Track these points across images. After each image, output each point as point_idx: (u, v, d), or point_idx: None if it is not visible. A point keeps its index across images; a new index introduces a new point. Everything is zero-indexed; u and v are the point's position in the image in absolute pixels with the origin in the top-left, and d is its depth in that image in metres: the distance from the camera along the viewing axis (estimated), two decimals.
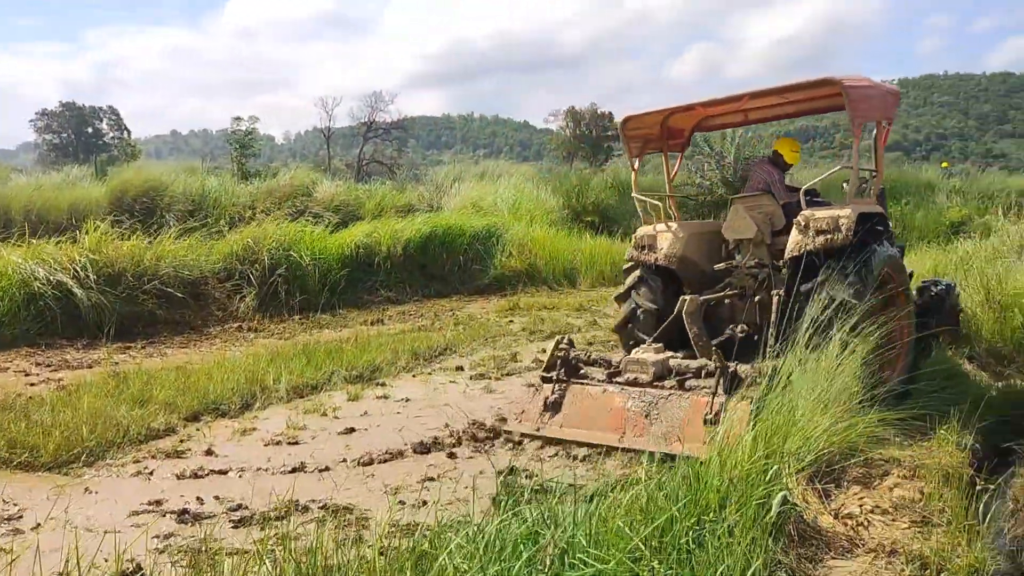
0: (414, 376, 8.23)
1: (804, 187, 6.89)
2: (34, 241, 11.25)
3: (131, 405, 6.53)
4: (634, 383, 6.01)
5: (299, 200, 17.95)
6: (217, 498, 4.83)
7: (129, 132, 69.09)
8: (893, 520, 4.18)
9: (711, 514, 3.42)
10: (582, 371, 6.40)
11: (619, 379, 6.14)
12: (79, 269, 10.55)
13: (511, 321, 11.59)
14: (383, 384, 7.84)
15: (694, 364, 6.00)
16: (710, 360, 5.85)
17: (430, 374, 8.32)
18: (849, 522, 4.13)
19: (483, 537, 2.98)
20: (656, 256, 7.32)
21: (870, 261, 6.19)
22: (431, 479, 5.11)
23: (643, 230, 7.57)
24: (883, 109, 6.87)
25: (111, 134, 66.91)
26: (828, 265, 6.21)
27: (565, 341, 6.44)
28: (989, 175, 30.56)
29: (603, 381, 6.20)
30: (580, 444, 5.77)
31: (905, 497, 4.45)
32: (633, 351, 6.48)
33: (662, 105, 7.76)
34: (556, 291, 14.81)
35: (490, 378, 8.02)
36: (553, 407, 6.14)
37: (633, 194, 7.86)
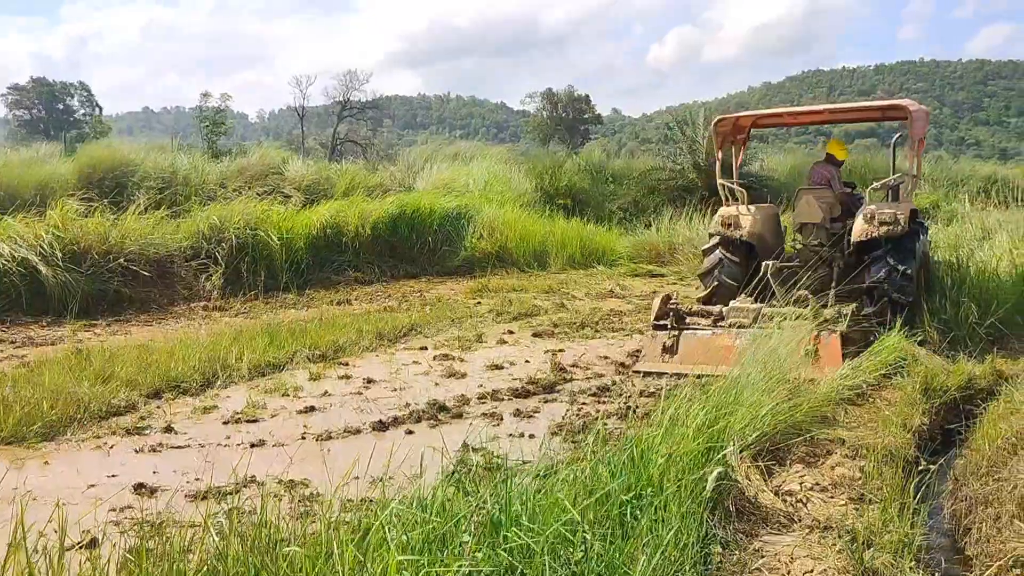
0: (377, 356, 8.29)
1: (870, 188, 8.80)
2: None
3: (93, 382, 6.53)
4: (738, 326, 7.51)
5: (270, 179, 17.82)
6: (174, 472, 4.87)
7: (101, 109, 68.14)
8: (831, 497, 4.32)
9: (651, 489, 3.52)
10: (688, 320, 7.86)
11: (723, 323, 7.70)
12: (44, 246, 10.48)
13: (479, 303, 11.65)
14: (346, 364, 7.88)
15: (786, 310, 7.38)
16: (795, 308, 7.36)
17: (394, 354, 8.38)
18: (789, 499, 4.26)
19: (423, 508, 3.06)
20: (741, 233, 8.88)
21: (916, 247, 8.17)
22: (387, 455, 5.17)
23: (726, 210, 9.16)
24: (925, 127, 8.87)
25: (82, 111, 65.91)
26: (888, 248, 8.00)
27: (672, 298, 8.08)
28: (961, 162, 30.98)
29: (710, 326, 7.73)
30: (702, 376, 6.62)
31: (845, 475, 4.59)
32: (731, 302, 8.04)
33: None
34: (526, 273, 14.85)
35: (453, 358, 8.10)
36: (670, 350, 7.62)
37: (718, 180, 9.44)
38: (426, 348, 8.58)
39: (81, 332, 9.45)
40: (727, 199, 9.39)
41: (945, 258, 10.00)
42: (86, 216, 11.71)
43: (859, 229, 8.18)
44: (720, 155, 9.75)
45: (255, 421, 6.05)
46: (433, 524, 2.85)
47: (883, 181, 9.07)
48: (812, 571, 3.36)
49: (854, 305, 7.49)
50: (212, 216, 12.68)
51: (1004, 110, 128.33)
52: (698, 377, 6.57)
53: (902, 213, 8.05)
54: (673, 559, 3.03)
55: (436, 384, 7.15)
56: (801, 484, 4.39)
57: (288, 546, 3.07)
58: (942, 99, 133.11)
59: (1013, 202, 14.59)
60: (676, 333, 7.66)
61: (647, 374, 7.50)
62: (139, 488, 4.69)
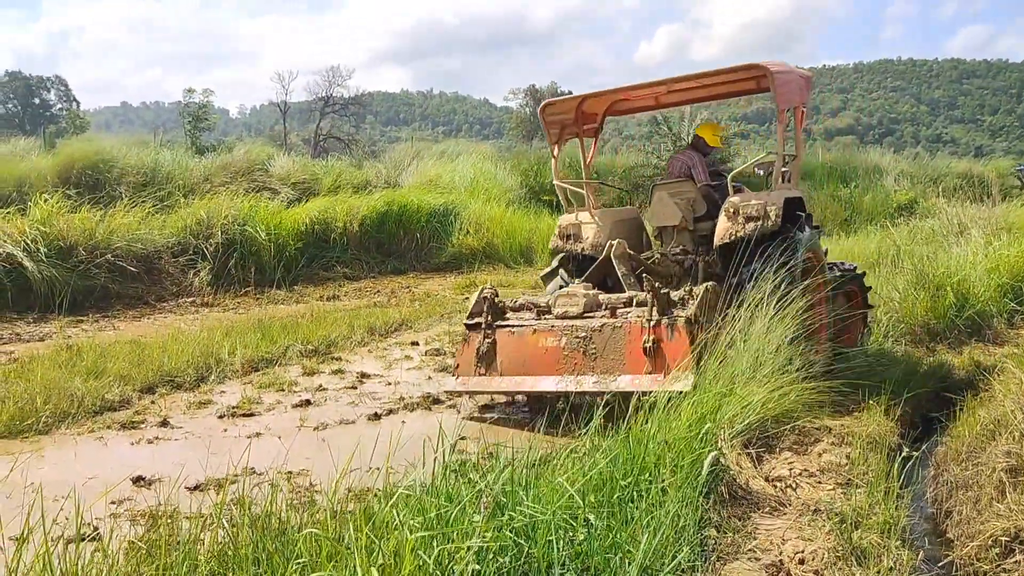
0: (370, 351, 8.36)
1: (732, 173, 6.98)
2: None
3: (85, 377, 6.55)
4: (565, 316, 5.94)
5: (255, 175, 17.80)
6: (172, 464, 4.92)
7: (78, 103, 67.52)
8: (820, 482, 4.45)
9: (647, 474, 3.63)
10: (509, 315, 6.25)
11: (549, 316, 6.06)
12: (29, 242, 10.46)
13: (467, 298, 11.65)
14: (339, 358, 7.95)
15: (624, 296, 6.03)
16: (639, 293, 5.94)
17: (386, 349, 8.45)
18: (779, 484, 4.39)
19: (429, 493, 3.16)
20: (583, 245, 7.19)
21: (796, 247, 6.27)
22: (383, 445, 5.25)
23: (566, 219, 7.42)
24: (801, 94, 6.91)
25: (59, 105, 65.28)
26: (758, 252, 6.20)
27: (489, 288, 6.34)
28: (937, 159, 31.46)
29: (532, 320, 6.10)
30: (522, 394, 5.84)
31: (832, 462, 4.73)
32: (562, 288, 6.48)
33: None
34: (513, 269, 14.96)
35: (444, 353, 8.18)
36: (486, 357, 6.04)
37: (554, 181, 7.67)
38: (417, 343, 8.66)
39: (69, 328, 9.45)
40: (568, 204, 7.59)
41: (919, 251, 10.10)
42: (71, 212, 11.69)
43: (721, 229, 6.50)
44: (557, 150, 7.67)
45: (251, 415, 6.10)
46: (440, 508, 2.95)
47: (743, 166, 7.61)
48: (803, 551, 3.48)
49: (710, 284, 5.86)
50: (199, 212, 12.69)
51: (979, 108, 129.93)
52: (516, 399, 5.83)
53: (774, 204, 6.32)
54: (671, 540, 3.14)
55: (429, 378, 7.23)
56: (790, 470, 4.53)
57: (297, 532, 3.16)
58: (919, 97, 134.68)
59: (987, 198, 14.86)
60: (491, 333, 6.10)
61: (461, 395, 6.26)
62: (138, 480, 4.74)
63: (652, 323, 5.46)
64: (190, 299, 11.40)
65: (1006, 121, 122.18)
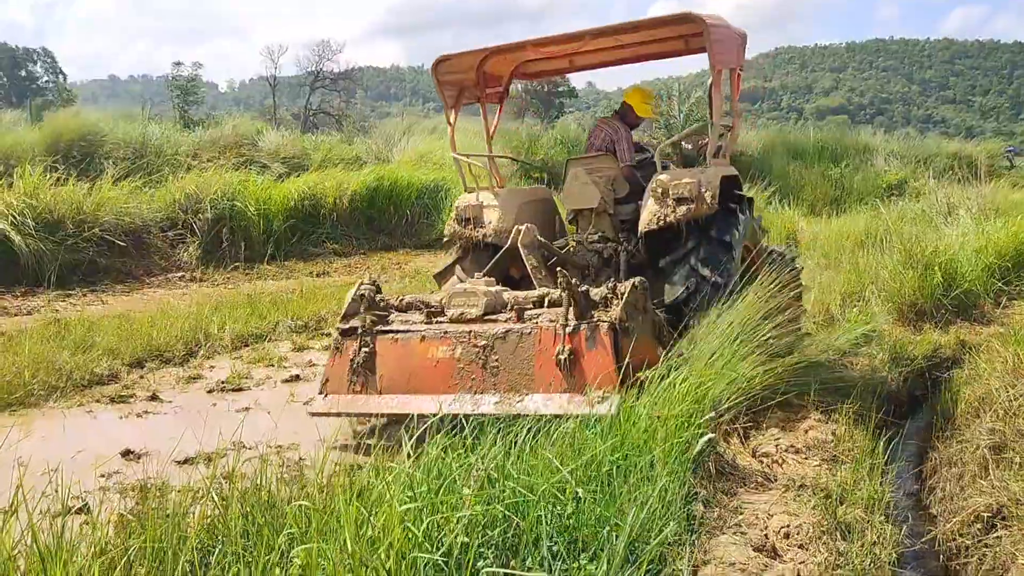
0: None
1: (660, 146, 6.17)
2: None
3: (73, 351, 6.55)
4: (460, 319, 4.90)
5: (244, 150, 17.66)
6: (162, 438, 4.93)
7: (65, 76, 66.75)
8: (805, 458, 4.50)
9: (636, 450, 3.66)
10: (394, 318, 5.18)
11: (442, 319, 5.00)
12: (16, 215, 10.37)
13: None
14: (329, 335, 7.92)
15: (534, 293, 5.01)
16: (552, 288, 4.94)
17: None
18: (765, 460, 4.43)
19: (419, 467, 3.17)
20: (484, 232, 6.19)
21: (734, 235, 5.56)
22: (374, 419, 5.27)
23: (465, 200, 6.40)
24: (738, 54, 5.93)
25: (45, 77, 64.52)
26: (690, 239, 5.53)
27: (368, 282, 5.32)
28: (928, 139, 31.48)
29: (421, 324, 5.02)
30: (402, 418, 4.42)
31: (818, 438, 4.78)
32: (459, 285, 5.36)
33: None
34: None
35: None
36: (363, 370, 4.98)
37: (452, 154, 6.61)
38: None
39: (57, 302, 9.41)
40: (467, 182, 6.60)
41: (906, 231, 10.10)
42: (58, 185, 11.59)
43: (648, 213, 5.59)
44: (453, 116, 6.59)
45: (240, 390, 6.12)
46: (430, 481, 2.97)
47: (672, 139, 6.61)
48: (788, 526, 3.52)
49: (638, 280, 4.74)
50: (188, 186, 12.61)
51: (970, 89, 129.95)
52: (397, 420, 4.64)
53: (709, 183, 5.45)
54: (658, 515, 3.17)
55: None
56: (777, 446, 4.57)
57: (287, 505, 3.17)
58: (911, 77, 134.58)
59: (975, 179, 14.90)
60: (370, 341, 5.00)
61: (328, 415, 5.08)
62: (127, 454, 4.76)
63: (568, 330, 4.51)
64: (179, 274, 11.37)
65: (997, 102, 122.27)
